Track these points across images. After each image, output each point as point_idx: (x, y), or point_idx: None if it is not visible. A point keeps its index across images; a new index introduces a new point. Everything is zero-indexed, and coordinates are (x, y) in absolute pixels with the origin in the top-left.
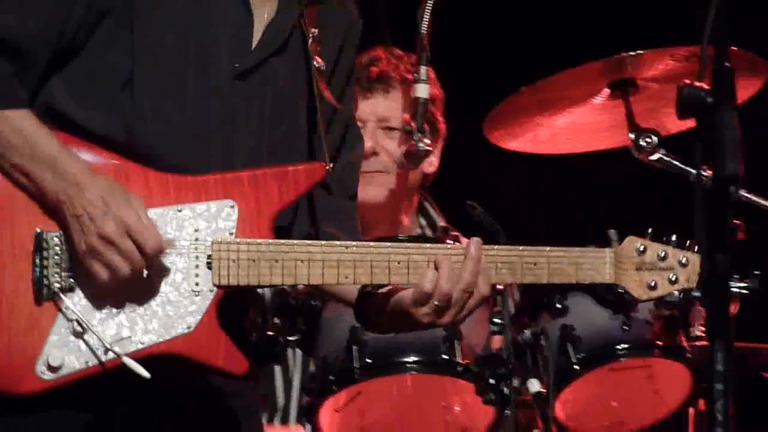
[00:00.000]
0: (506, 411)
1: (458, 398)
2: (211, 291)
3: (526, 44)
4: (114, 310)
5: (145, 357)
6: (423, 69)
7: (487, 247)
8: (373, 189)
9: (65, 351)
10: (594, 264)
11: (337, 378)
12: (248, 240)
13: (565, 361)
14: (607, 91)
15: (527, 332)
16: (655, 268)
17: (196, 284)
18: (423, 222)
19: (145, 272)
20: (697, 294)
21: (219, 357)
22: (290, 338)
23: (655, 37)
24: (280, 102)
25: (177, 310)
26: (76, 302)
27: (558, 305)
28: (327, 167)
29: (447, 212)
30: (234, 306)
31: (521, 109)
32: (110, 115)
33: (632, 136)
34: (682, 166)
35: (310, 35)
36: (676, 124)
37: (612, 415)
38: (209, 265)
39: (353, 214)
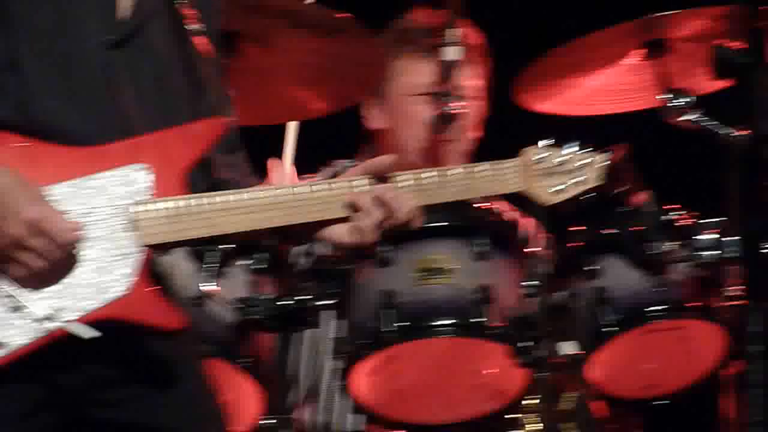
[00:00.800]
0: (539, 373)
1: (491, 361)
2: (140, 252)
3: (557, 4)
4: (47, 285)
5: (91, 321)
6: (453, 32)
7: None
8: (452, 156)
9: (5, 328)
10: (499, 176)
11: (369, 342)
12: (167, 198)
13: (597, 324)
14: (639, 51)
15: (560, 294)
16: (561, 171)
17: (124, 248)
18: None
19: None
20: (732, 254)
21: (157, 315)
22: (323, 302)
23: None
24: (162, 68)
25: (109, 275)
26: (7, 283)
27: (591, 267)
28: (230, 120)
29: None
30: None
31: (552, 70)
32: (1, 101)
33: (664, 96)
34: (715, 127)
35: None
36: (707, 85)
37: (645, 376)
38: (134, 227)
39: (244, 164)
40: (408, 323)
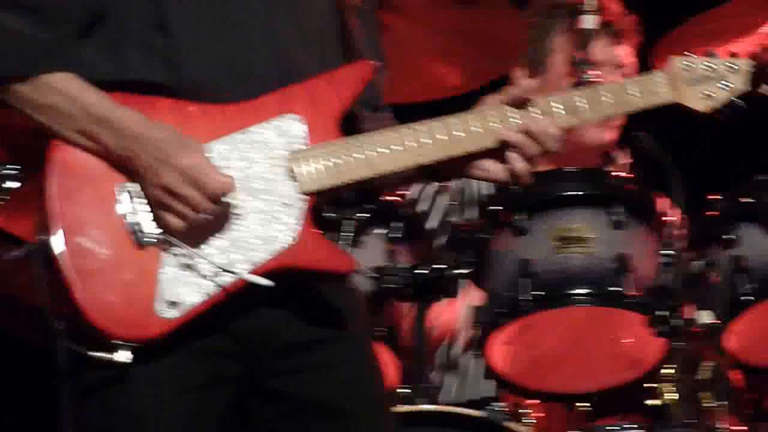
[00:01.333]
0: (676, 343)
1: (628, 330)
2: (302, 200)
3: None
4: (214, 240)
5: (264, 272)
6: (590, 1)
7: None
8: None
9: (180, 285)
10: (650, 87)
11: (506, 311)
12: (322, 143)
13: (736, 293)
14: None
15: (697, 263)
16: (707, 79)
17: (287, 197)
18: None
19: (221, 209)
20: None
21: (327, 260)
22: (461, 271)
23: None
24: (313, 16)
25: (275, 226)
26: (176, 240)
27: (729, 236)
28: (375, 64)
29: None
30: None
31: (691, 40)
32: (148, 58)
33: None
34: None
35: None
36: None
37: None
38: (293, 177)
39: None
40: (545, 292)
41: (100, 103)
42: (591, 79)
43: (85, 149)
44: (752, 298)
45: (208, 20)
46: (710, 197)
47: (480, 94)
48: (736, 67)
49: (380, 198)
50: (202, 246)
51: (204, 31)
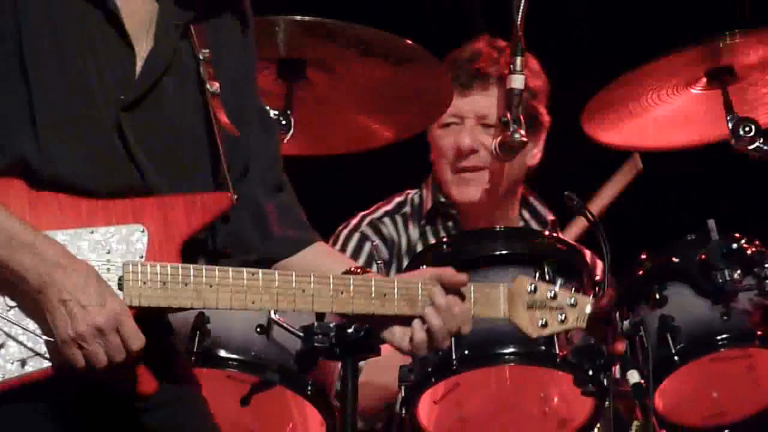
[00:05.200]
0: (605, 402)
1: (556, 389)
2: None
3: (621, 32)
4: (32, 329)
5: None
6: (518, 60)
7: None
8: (474, 186)
9: None
10: (488, 299)
11: (435, 369)
12: (159, 263)
13: (664, 352)
14: (704, 79)
15: (626, 323)
16: (546, 307)
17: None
18: (526, 215)
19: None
20: None
21: (128, 378)
22: None
23: (753, 21)
24: (175, 130)
25: None
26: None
27: (657, 295)
28: (232, 198)
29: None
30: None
31: (618, 101)
32: (12, 153)
33: (730, 125)
34: None
35: (201, 57)
36: None
37: (712, 405)
38: (120, 286)
39: (290, 206)
40: (473, 351)
41: (23, 229)
42: (520, 139)
43: None
44: (680, 357)
45: (71, 117)
46: (639, 257)
47: (406, 146)
48: (575, 303)
49: None
50: (16, 328)
51: (68, 129)
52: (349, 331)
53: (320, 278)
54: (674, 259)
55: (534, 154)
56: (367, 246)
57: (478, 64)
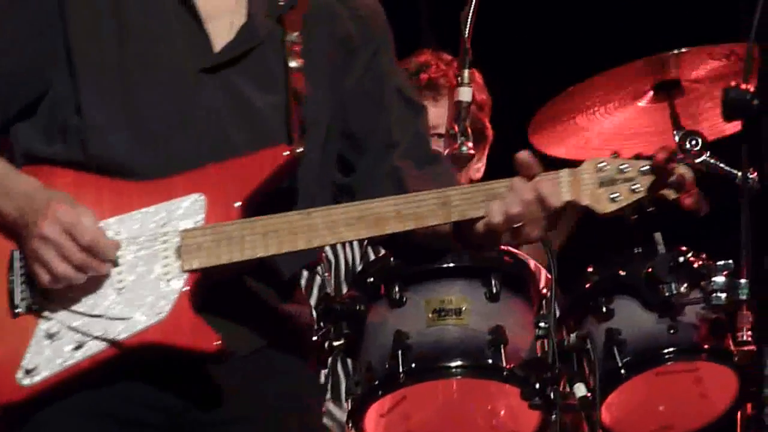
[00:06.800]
0: (552, 415)
1: (504, 402)
2: (182, 277)
3: (570, 47)
4: (84, 312)
5: (124, 350)
6: (466, 72)
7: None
8: None
9: (41, 355)
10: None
11: (381, 383)
12: (213, 224)
13: (611, 365)
14: (651, 93)
15: (572, 336)
16: (617, 181)
17: (166, 273)
18: None
19: (99, 269)
20: (744, 297)
21: (189, 338)
22: (335, 343)
23: (699, 36)
24: (247, 102)
25: (150, 300)
26: (47, 311)
27: (603, 309)
28: (295, 151)
29: None
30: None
31: (565, 113)
32: (69, 142)
33: (677, 138)
34: (728, 169)
35: (289, 38)
36: (721, 127)
37: (659, 419)
38: (179, 255)
39: (440, 169)
40: (419, 364)
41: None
42: (468, 152)
43: None
44: (627, 370)
45: (119, 101)
46: (585, 269)
47: None
48: (648, 169)
49: None
50: (73, 315)
51: (115, 111)
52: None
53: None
54: (621, 272)
55: (478, 168)
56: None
57: (427, 74)
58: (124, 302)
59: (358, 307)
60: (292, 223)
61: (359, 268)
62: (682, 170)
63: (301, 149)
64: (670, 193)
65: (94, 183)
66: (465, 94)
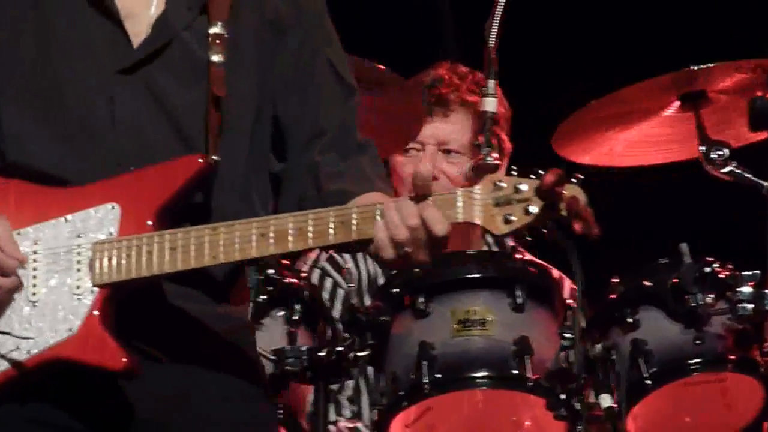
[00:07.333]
0: (577, 426)
1: (529, 413)
2: (92, 292)
3: (595, 58)
4: None
5: (33, 366)
6: (491, 83)
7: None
8: None
9: None
10: (442, 205)
11: (406, 393)
12: (126, 237)
13: (636, 376)
14: (677, 103)
15: (598, 347)
16: (512, 201)
17: (78, 287)
18: (490, 240)
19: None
20: None
21: (97, 356)
22: (360, 354)
23: (724, 50)
24: (168, 102)
25: (61, 315)
26: None
27: (629, 319)
28: (209, 159)
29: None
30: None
31: (590, 123)
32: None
33: (703, 148)
34: (754, 179)
35: (212, 29)
36: (747, 137)
37: (684, 430)
38: (90, 268)
39: (365, 161)
40: (444, 375)
41: None
42: (492, 162)
43: None
44: (653, 381)
45: (39, 107)
46: (611, 280)
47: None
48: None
49: (280, 280)
50: None
51: (34, 118)
52: (321, 354)
53: (276, 218)
54: (647, 283)
55: None
56: (329, 282)
57: (438, 90)
58: (36, 316)
59: (382, 318)
60: (200, 238)
61: (381, 279)
62: (573, 192)
63: (216, 157)
64: (564, 216)
65: (17, 189)
66: (490, 104)
